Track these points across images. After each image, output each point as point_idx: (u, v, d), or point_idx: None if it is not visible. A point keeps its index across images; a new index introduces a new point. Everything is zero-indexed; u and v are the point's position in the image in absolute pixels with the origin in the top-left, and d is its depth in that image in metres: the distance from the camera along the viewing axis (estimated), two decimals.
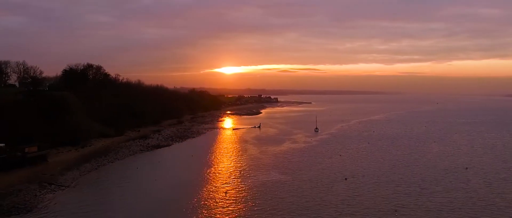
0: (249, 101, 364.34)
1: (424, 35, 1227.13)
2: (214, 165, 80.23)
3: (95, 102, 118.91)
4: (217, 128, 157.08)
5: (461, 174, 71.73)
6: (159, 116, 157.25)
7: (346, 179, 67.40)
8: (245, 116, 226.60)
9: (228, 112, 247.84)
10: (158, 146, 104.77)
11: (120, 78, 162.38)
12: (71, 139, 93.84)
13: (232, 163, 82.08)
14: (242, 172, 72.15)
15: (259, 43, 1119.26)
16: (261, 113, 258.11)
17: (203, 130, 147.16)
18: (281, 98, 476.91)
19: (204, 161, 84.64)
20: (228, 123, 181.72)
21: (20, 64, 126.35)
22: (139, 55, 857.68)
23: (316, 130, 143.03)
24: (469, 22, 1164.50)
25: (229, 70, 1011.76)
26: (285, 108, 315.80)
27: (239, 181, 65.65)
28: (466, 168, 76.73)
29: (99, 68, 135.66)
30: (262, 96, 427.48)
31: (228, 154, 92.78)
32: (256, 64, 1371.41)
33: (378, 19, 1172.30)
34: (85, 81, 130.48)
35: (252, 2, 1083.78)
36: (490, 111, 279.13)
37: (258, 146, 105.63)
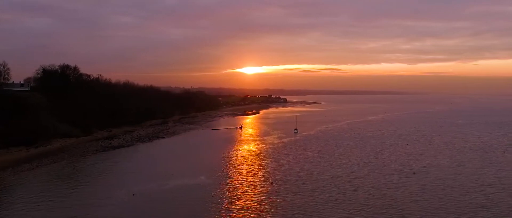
0: (255, 101, 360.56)
1: (449, 34, 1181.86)
2: (151, 167, 78.12)
3: (67, 102, 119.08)
4: (197, 128, 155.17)
5: (402, 179, 67.30)
6: (143, 116, 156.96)
7: (272, 183, 64.19)
8: (241, 117, 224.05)
9: (225, 113, 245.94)
10: (118, 147, 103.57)
11: (103, 78, 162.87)
12: (26, 139, 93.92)
13: (172, 165, 79.89)
14: (172, 175, 69.56)
15: (281, 43, 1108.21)
16: (259, 113, 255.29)
17: (181, 130, 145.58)
18: (293, 98, 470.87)
19: (146, 163, 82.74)
20: (215, 123, 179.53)
21: (1, 65, 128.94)
22: (162, 56, 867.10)
23: (296, 131, 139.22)
24: (496, 20, 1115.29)
25: (251, 71, 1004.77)
26: (289, 108, 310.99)
27: (158, 184, 63.21)
28: (414, 173, 71.96)
29: (75, 68, 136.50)
30: (272, 96, 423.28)
31: (177, 156, 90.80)
32: (278, 64, 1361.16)
33: (402, 18, 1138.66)
34: (63, 82, 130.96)
35: (275, 2, 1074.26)
36: (503, 112, 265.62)
37: (218, 148, 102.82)
